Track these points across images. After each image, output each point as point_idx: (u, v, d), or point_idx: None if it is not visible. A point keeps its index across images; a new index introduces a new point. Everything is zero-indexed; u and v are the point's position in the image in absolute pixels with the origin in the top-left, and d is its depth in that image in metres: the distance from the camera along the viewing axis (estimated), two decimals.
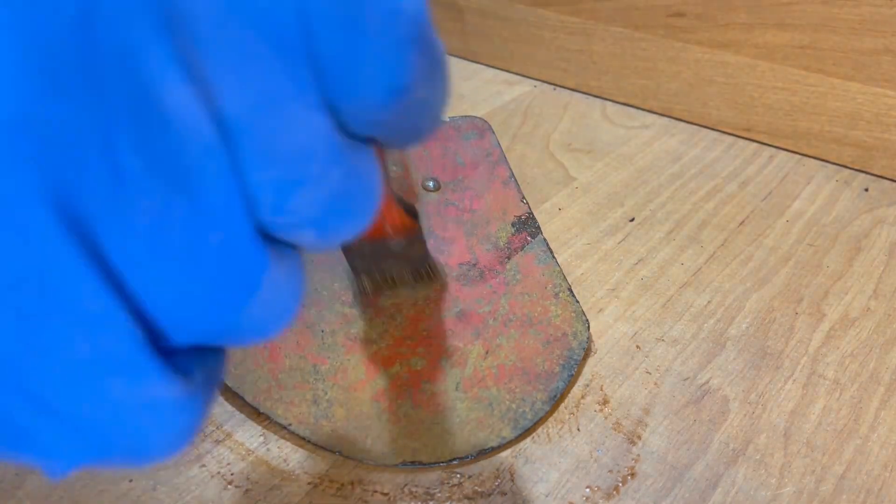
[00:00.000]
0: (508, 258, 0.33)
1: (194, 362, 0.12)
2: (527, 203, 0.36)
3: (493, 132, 0.43)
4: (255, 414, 0.26)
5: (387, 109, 0.12)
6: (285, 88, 0.11)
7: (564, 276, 0.31)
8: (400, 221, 0.26)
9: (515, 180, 0.38)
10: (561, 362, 0.28)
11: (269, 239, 0.12)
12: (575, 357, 0.28)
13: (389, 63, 0.12)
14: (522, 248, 0.33)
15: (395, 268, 0.29)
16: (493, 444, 0.25)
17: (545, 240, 0.33)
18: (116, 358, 0.11)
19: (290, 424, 0.25)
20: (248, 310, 0.12)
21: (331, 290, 0.31)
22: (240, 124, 0.11)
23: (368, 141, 0.13)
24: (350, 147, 0.12)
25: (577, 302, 0.30)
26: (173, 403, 0.12)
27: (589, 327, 0.29)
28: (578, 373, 0.28)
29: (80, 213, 0.10)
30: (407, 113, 0.13)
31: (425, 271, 0.30)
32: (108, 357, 0.11)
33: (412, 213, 0.27)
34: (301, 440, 0.25)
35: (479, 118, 0.44)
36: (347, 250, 0.28)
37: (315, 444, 0.25)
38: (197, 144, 0.10)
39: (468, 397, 0.26)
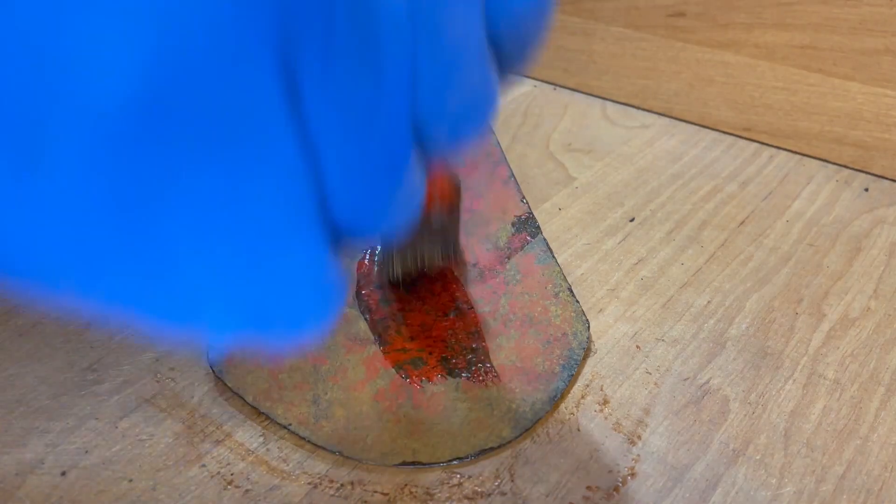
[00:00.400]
0: (508, 258, 0.33)
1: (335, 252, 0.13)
2: (527, 203, 0.36)
3: (493, 132, 0.43)
4: (255, 414, 0.26)
5: (526, 19, 0.14)
6: None
7: (564, 276, 0.31)
8: (448, 189, 0.26)
9: (515, 180, 0.38)
10: (561, 362, 0.28)
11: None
12: (575, 357, 0.28)
13: None
14: (522, 248, 0.33)
15: (427, 247, 0.28)
16: (493, 444, 0.25)
17: (545, 240, 0.33)
18: (293, 215, 0.12)
19: (290, 425, 0.25)
20: (392, 200, 0.13)
21: None
22: (425, 12, 0.12)
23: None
24: (488, 59, 0.14)
25: (577, 302, 0.30)
26: (328, 275, 0.13)
27: (589, 327, 0.29)
28: (578, 373, 0.28)
29: (292, 62, 0.11)
30: (532, 20, 0.15)
31: (454, 252, 0.29)
32: (285, 213, 0.12)
33: (456, 182, 0.27)
34: (301, 440, 0.25)
35: None
36: None
37: (315, 445, 0.25)
38: (391, 20, 0.12)
39: (468, 397, 0.26)
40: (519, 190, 0.37)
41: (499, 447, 0.25)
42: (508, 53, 0.15)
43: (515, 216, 0.35)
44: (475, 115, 0.14)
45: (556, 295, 0.30)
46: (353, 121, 0.12)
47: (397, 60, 0.12)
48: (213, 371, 0.27)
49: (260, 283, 0.12)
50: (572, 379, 0.28)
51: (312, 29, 0.11)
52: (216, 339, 0.13)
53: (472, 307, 0.30)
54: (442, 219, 0.27)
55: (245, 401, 0.26)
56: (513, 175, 0.38)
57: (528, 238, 0.33)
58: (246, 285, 0.12)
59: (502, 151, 0.40)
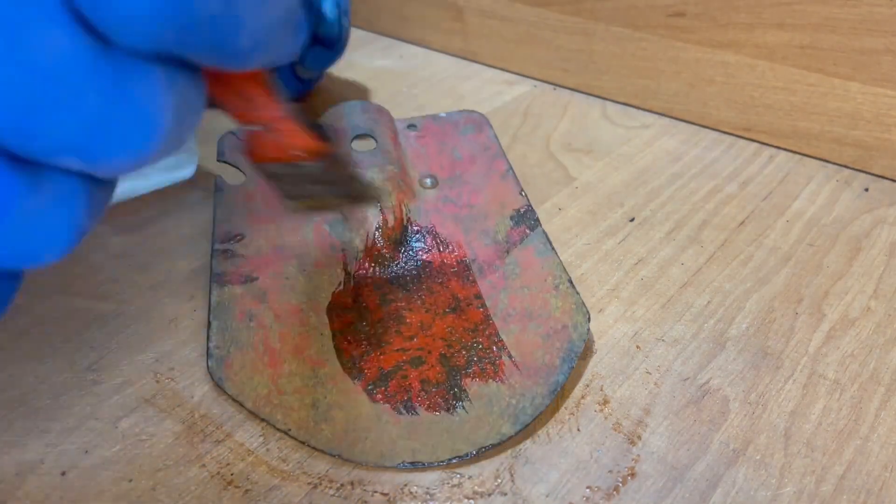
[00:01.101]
0: (507, 252, 0.33)
1: None
2: (525, 195, 0.36)
3: (491, 126, 0.43)
4: (255, 416, 0.26)
5: (156, 21, 0.11)
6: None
7: (564, 268, 0.31)
8: (305, 145, 0.22)
9: (514, 173, 0.38)
10: (561, 355, 0.27)
11: (29, 164, 0.11)
12: (575, 349, 0.28)
13: None
14: (521, 241, 0.33)
15: (317, 191, 0.25)
16: (493, 441, 0.25)
17: (544, 232, 0.33)
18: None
19: (289, 430, 0.25)
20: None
21: (329, 295, 0.31)
22: None
23: (167, 60, 0.12)
24: (118, 66, 0.11)
25: (578, 293, 0.30)
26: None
27: (590, 318, 0.29)
28: (580, 372, 0.28)
29: None
30: (203, 26, 0.12)
31: (355, 194, 0.27)
32: None
33: (323, 135, 0.23)
34: (301, 442, 0.25)
35: (477, 112, 0.44)
36: (256, 167, 0.23)
37: (315, 448, 0.25)
38: None
39: (468, 395, 0.26)
40: (517, 182, 0.37)
41: (499, 444, 0.25)
42: (187, 51, 0.12)
43: (514, 209, 0.35)
44: (111, 134, 0.12)
45: (557, 287, 0.30)
46: None
47: None
48: (213, 379, 0.27)
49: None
50: (572, 372, 0.27)
51: None
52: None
53: (472, 304, 0.30)
54: (318, 169, 0.23)
55: (245, 407, 0.26)
56: (511, 168, 0.38)
57: (528, 231, 0.33)
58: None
59: (500, 145, 0.40)
